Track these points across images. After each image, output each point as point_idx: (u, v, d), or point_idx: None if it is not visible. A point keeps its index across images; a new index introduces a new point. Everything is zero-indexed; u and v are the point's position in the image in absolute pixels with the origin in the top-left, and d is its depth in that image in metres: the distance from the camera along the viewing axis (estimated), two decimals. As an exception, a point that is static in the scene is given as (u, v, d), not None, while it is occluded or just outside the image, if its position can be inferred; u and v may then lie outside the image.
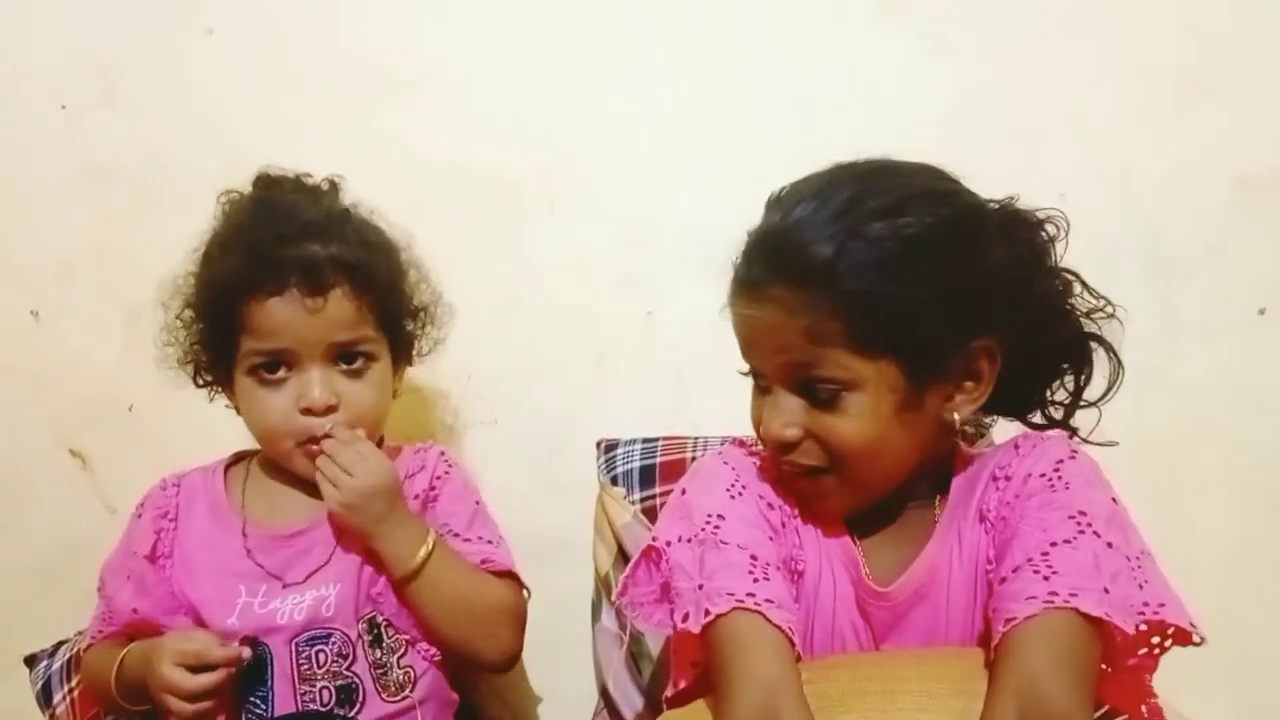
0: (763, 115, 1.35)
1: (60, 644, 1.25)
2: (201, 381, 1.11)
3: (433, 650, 1.07)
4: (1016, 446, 0.90)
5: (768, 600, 0.81)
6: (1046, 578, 0.78)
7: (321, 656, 1.04)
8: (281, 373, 1.04)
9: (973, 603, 0.87)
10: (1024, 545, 0.82)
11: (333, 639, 1.04)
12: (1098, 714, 0.76)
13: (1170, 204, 1.31)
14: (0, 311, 1.40)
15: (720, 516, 0.87)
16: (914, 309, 0.81)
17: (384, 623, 1.06)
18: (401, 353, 1.13)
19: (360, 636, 1.05)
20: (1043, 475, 0.85)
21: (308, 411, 1.04)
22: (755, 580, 0.83)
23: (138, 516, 1.13)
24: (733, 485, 0.91)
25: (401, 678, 1.06)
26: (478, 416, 1.37)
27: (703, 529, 0.87)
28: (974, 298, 0.83)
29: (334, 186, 1.13)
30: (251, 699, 1.03)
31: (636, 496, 1.18)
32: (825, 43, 1.35)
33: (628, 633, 1.17)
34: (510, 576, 1.10)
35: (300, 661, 1.03)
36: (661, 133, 1.36)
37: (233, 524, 1.09)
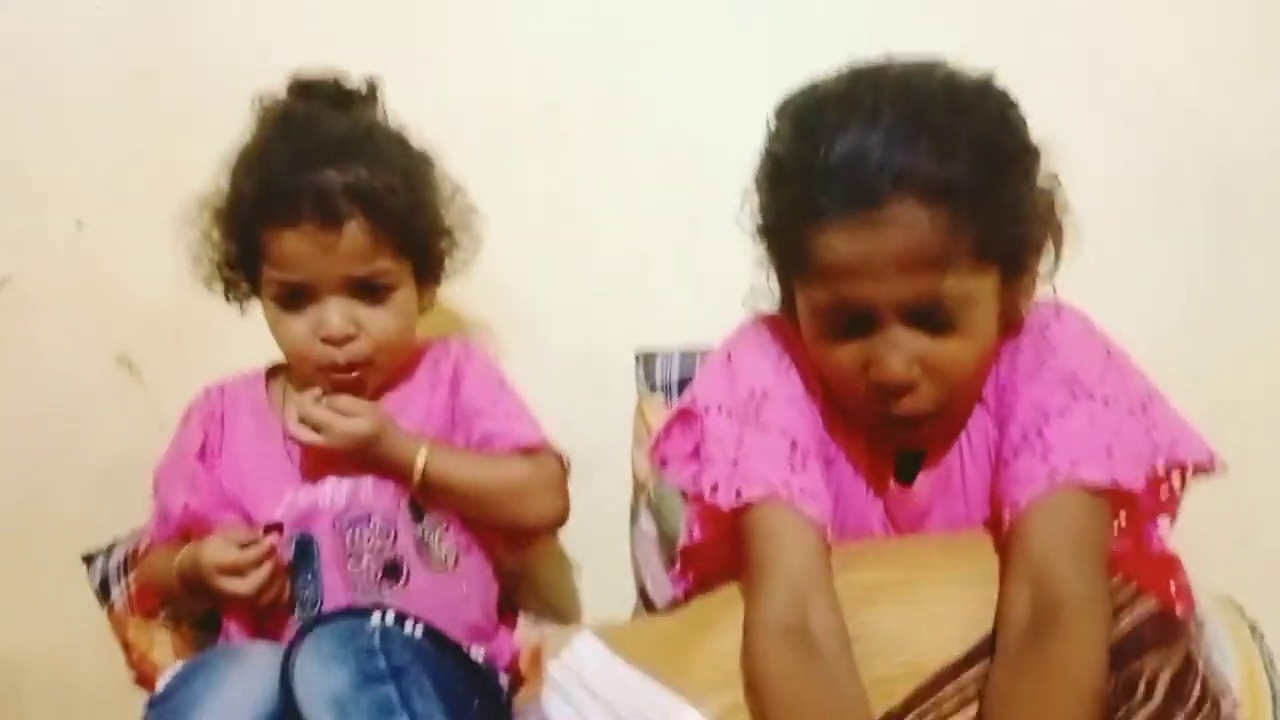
0: (819, 41, 1.30)
1: (115, 544, 1.28)
2: (232, 297, 1.13)
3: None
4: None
5: (802, 490, 0.82)
6: (1045, 456, 0.77)
7: (366, 535, 1.08)
8: (301, 301, 1.06)
9: (990, 490, 0.86)
10: (1019, 424, 0.81)
11: (374, 519, 1.08)
12: (1124, 594, 0.76)
13: (1241, 141, 1.26)
14: (47, 223, 1.42)
15: (765, 393, 0.86)
16: (1020, 208, 0.80)
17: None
18: (429, 273, 1.13)
19: (402, 515, 1.08)
20: (1031, 345, 0.84)
21: (327, 340, 1.05)
22: (792, 470, 0.83)
23: (185, 422, 1.17)
24: (781, 357, 0.89)
25: (445, 554, 1.10)
26: (517, 325, 1.36)
27: (746, 403, 0.86)
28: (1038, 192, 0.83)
29: (371, 89, 1.12)
30: (300, 582, 1.08)
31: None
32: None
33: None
34: (537, 450, 1.12)
35: (346, 541, 1.07)
36: (713, 57, 1.32)
37: (275, 430, 1.12)
